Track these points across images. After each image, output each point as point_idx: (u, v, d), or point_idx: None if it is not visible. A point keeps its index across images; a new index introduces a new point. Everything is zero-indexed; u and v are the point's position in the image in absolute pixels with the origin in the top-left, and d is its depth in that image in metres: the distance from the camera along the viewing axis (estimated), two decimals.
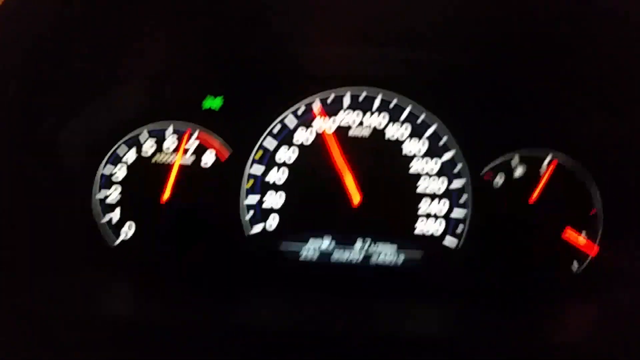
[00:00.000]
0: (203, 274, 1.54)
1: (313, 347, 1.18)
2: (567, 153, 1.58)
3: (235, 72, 1.63)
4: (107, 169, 1.59)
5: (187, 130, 1.60)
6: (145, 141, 1.60)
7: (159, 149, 1.60)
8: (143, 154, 1.60)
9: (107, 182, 1.59)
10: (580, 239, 1.54)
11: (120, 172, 1.59)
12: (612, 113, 1.49)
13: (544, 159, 1.58)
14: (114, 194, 1.58)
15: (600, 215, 1.56)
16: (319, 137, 1.60)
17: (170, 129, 1.61)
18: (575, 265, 1.54)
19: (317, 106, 1.61)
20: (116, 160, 1.59)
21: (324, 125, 1.60)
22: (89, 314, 1.26)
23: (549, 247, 1.54)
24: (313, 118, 1.61)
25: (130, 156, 1.59)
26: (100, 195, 1.58)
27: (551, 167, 1.58)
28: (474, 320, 1.38)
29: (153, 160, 1.60)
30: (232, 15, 1.41)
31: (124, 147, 1.60)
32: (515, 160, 1.58)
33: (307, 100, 1.62)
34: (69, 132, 1.47)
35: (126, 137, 1.60)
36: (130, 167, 1.60)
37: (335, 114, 1.61)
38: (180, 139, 1.61)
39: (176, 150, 1.60)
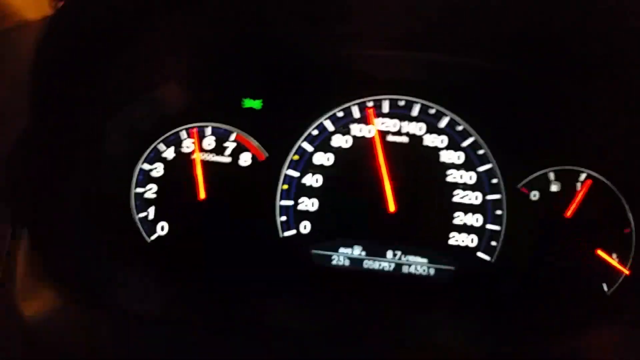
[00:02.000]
0: (235, 274, 1.55)
1: (341, 353, 1.20)
2: (601, 172, 1.58)
3: (275, 75, 1.63)
4: (146, 165, 1.60)
5: (192, 130, 1.61)
6: (184, 140, 1.61)
7: (199, 148, 1.61)
8: (181, 152, 1.61)
9: (146, 178, 1.60)
10: (612, 259, 1.54)
11: (159, 169, 1.60)
12: None
13: (579, 176, 1.58)
14: (151, 190, 1.60)
15: (633, 235, 1.56)
16: (357, 143, 1.61)
17: (209, 129, 1.61)
18: (606, 285, 1.54)
19: (370, 109, 1.61)
20: (156, 157, 1.61)
21: (375, 128, 1.60)
22: (121, 308, 1.28)
23: (582, 264, 1.54)
24: (351, 123, 1.61)
25: (169, 154, 1.61)
26: (138, 190, 1.60)
27: (586, 185, 1.58)
28: (504, 335, 1.39)
29: (191, 158, 1.61)
30: (273, 18, 1.41)
31: (163, 145, 1.61)
32: (551, 176, 1.58)
33: (345, 105, 1.63)
34: (112, 127, 1.48)
35: (166, 135, 1.61)
36: (168, 165, 1.61)
37: (373, 119, 1.62)
38: (217, 139, 1.62)
39: (214, 150, 1.61)
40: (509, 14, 1.30)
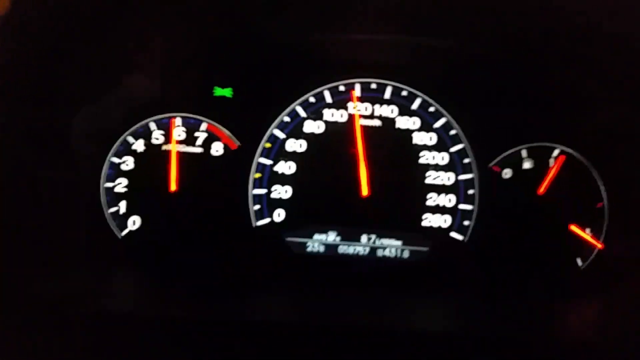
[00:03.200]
0: (209, 265, 1.54)
1: (318, 340, 1.20)
2: (574, 147, 1.58)
3: (243, 63, 1.61)
4: (116, 159, 1.58)
5: (171, 120, 1.59)
6: (153, 131, 1.59)
7: (168, 139, 1.59)
8: (151, 144, 1.59)
9: (117, 171, 1.58)
10: (585, 234, 1.55)
11: (129, 162, 1.59)
12: (620, 108, 1.49)
13: (552, 152, 1.58)
14: (121, 184, 1.58)
15: (606, 210, 1.56)
16: (330, 128, 1.60)
17: (179, 120, 1.60)
18: (580, 259, 1.56)
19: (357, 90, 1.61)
20: (125, 150, 1.59)
21: (355, 108, 1.59)
22: (95, 307, 1.27)
23: (555, 240, 1.56)
24: (323, 108, 1.60)
25: (139, 146, 1.59)
26: (109, 184, 1.58)
27: (559, 161, 1.58)
28: (480, 314, 1.40)
29: (163, 149, 1.59)
30: (241, 6, 1.39)
31: (132, 138, 1.59)
32: (524, 153, 1.58)
33: (316, 91, 1.61)
34: (79, 121, 1.46)
35: (134, 127, 1.59)
36: (138, 157, 1.59)
37: (345, 103, 1.60)
38: (188, 130, 1.60)
39: (185, 140, 1.59)
40: None
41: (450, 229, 1.57)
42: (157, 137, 1.59)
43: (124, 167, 1.58)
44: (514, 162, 1.58)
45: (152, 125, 1.59)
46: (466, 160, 1.58)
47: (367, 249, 1.57)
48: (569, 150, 1.58)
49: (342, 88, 1.61)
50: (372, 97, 1.61)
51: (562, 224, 1.56)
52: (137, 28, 1.37)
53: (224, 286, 1.45)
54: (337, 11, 1.44)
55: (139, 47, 1.46)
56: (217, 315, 1.28)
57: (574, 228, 1.55)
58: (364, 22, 1.49)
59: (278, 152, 1.60)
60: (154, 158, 1.58)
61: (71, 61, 1.32)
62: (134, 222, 1.58)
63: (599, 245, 1.55)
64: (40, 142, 1.36)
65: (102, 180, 1.57)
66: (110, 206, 1.58)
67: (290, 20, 1.47)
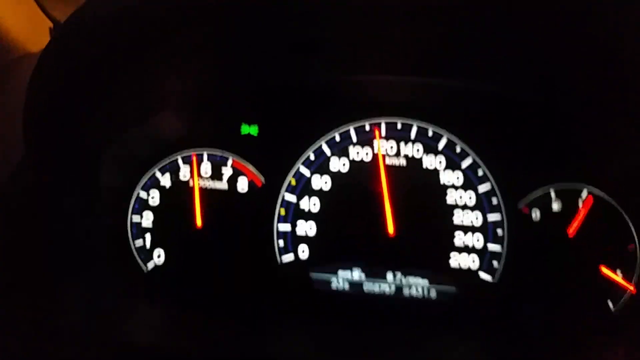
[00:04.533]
0: (234, 302, 1.53)
1: None
2: (602, 189, 1.56)
3: (271, 101, 1.63)
4: (143, 193, 1.59)
5: (193, 155, 1.61)
6: (180, 167, 1.61)
7: (195, 175, 1.60)
8: (179, 179, 1.60)
9: (143, 206, 1.60)
10: (617, 276, 1.51)
11: (155, 197, 1.60)
12: None
13: (580, 194, 1.57)
14: (148, 218, 1.59)
15: (638, 252, 1.53)
16: (355, 166, 1.60)
17: (206, 156, 1.61)
18: (612, 302, 1.52)
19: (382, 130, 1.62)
20: (152, 184, 1.60)
21: (379, 145, 1.60)
22: (118, 339, 1.26)
23: (586, 282, 1.52)
24: (349, 146, 1.61)
25: (166, 181, 1.60)
26: (135, 218, 1.59)
27: (587, 203, 1.56)
28: (508, 357, 1.36)
29: (190, 185, 1.60)
30: (269, 45, 1.42)
31: (159, 173, 1.60)
32: (552, 194, 1.57)
33: (342, 129, 1.62)
34: (109, 155, 1.48)
35: (162, 163, 1.60)
36: (165, 192, 1.60)
37: (371, 142, 1.61)
38: (214, 166, 1.61)
39: (211, 177, 1.60)
40: (502, 38, 1.31)
41: (478, 269, 1.54)
42: (185, 172, 1.61)
43: (150, 202, 1.59)
44: (543, 203, 1.56)
45: (180, 161, 1.61)
46: (494, 201, 1.57)
47: (393, 288, 1.54)
48: (597, 191, 1.56)
49: (367, 127, 1.63)
50: (398, 136, 1.62)
51: (593, 266, 1.52)
52: (167, 65, 1.40)
53: (247, 322, 1.44)
54: (364, 52, 1.46)
55: (169, 84, 1.50)
56: (240, 352, 1.26)
57: (605, 270, 1.51)
58: (390, 63, 1.51)
59: (303, 188, 1.60)
60: (180, 193, 1.59)
61: (103, 96, 1.35)
62: (159, 257, 1.58)
63: (631, 288, 1.51)
64: (69, 174, 1.38)
65: (129, 214, 1.58)
66: (135, 240, 1.58)
67: (318, 61, 1.50)
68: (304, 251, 1.57)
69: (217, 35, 1.33)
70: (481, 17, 1.21)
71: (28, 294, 1.25)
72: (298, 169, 1.60)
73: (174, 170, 1.61)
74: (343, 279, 1.55)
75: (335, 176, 1.60)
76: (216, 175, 1.61)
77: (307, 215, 1.59)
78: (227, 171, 1.62)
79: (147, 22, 1.19)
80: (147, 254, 1.58)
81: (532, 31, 1.25)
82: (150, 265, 1.58)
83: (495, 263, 1.54)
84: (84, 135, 1.39)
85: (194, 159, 1.61)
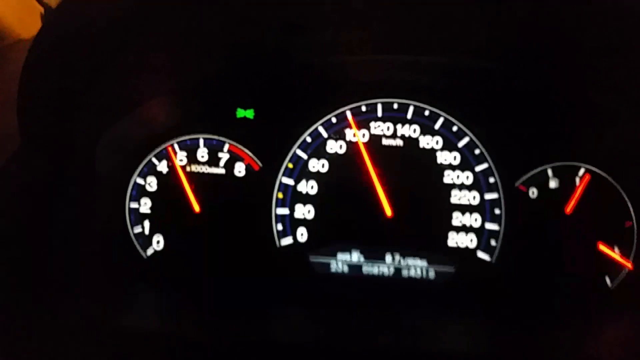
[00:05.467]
0: (233, 286, 1.54)
1: None
2: (599, 166, 1.56)
3: (266, 84, 1.62)
4: (140, 180, 1.59)
5: (167, 147, 1.61)
6: (177, 153, 1.60)
7: (192, 160, 1.60)
8: (176, 166, 1.60)
9: (140, 192, 1.60)
10: (614, 253, 1.52)
11: (152, 183, 1.60)
12: None
13: (577, 171, 1.57)
14: (146, 205, 1.59)
15: (635, 229, 1.54)
16: (351, 148, 1.60)
17: (202, 141, 1.61)
18: (609, 279, 1.52)
19: (349, 116, 1.60)
20: (149, 171, 1.60)
21: (356, 136, 1.59)
22: (118, 325, 1.27)
23: (584, 260, 1.52)
24: (345, 128, 1.60)
25: (163, 168, 1.60)
26: (133, 205, 1.59)
27: (584, 180, 1.56)
28: (508, 335, 1.37)
29: (187, 170, 1.60)
30: (261, 28, 1.40)
31: (156, 159, 1.60)
32: (549, 172, 1.57)
33: (338, 111, 1.62)
34: (104, 142, 1.48)
35: (158, 149, 1.60)
36: (162, 179, 1.60)
37: (368, 124, 1.61)
38: (210, 151, 1.61)
39: (207, 162, 1.60)
40: (498, 13, 1.29)
41: (476, 249, 1.55)
42: (181, 158, 1.60)
43: (148, 188, 1.59)
44: (540, 181, 1.56)
45: (176, 147, 1.60)
46: (491, 180, 1.56)
47: (392, 269, 1.55)
48: (594, 169, 1.56)
49: (364, 108, 1.62)
50: (395, 116, 1.61)
51: (591, 244, 1.53)
52: (160, 51, 1.38)
53: (247, 306, 1.45)
54: (358, 32, 1.44)
55: (162, 70, 1.48)
56: (239, 335, 1.26)
57: (602, 247, 1.52)
58: (385, 43, 1.50)
59: (300, 172, 1.60)
60: (177, 179, 1.59)
61: (97, 82, 1.34)
62: (158, 242, 1.58)
63: (629, 265, 1.51)
64: (65, 162, 1.38)
65: (127, 200, 1.58)
66: (134, 226, 1.58)
67: (312, 41, 1.48)
68: (302, 234, 1.58)
69: (208, 18, 1.32)
70: None
71: (27, 282, 1.25)
72: (295, 152, 1.60)
73: (170, 157, 1.60)
74: (342, 261, 1.56)
75: (332, 158, 1.60)
76: (213, 160, 1.61)
77: (305, 199, 1.59)
78: (224, 156, 1.61)
79: (139, 6, 1.18)
80: (146, 240, 1.59)
81: (526, 8, 1.24)
82: (150, 251, 1.58)
83: (493, 242, 1.55)
84: (79, 122, 1.38)
85: (169, 151, 1.61)
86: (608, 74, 1.41)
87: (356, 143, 1.59)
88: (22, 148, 1.26)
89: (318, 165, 1.59)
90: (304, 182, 1.59)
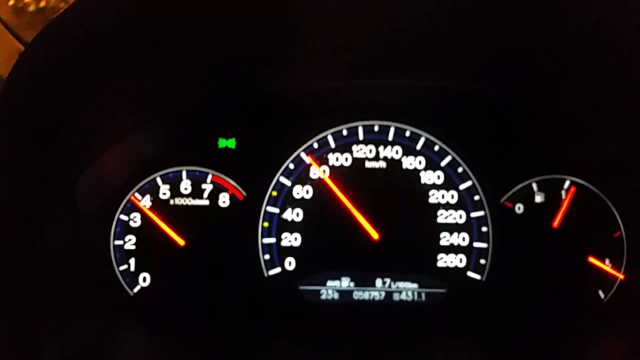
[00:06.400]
0: (223, 319, 1.52)
1: None
2: (584, 178, 1.56)
3: (246, 113, 1.62)
4: (124, 216, 1.58)
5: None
6: (160, 187, 1.59)
7: (175, 194, 1.59)
8: (159, 199, 1.59)
9: (125, 229, 1.58)
10: (605, 265, 1.51)
11: (136, 219, 1.58)
12: (626, 136, 1.47)
13: (563, 184, 1.56)
14: (130, 241, 1.57)
15: (624, 239, 1.53)
16: (335, 172, 1.59)
17: (185, 173, 1.60)
18: (602, 292, 1.51)
19: (307, 158, 1.60)
20: (132, 207, 1.58)
21: (319, 172, 1.59)
22: None
23: (575, 273, 1.51)
24: (327, 153, 1.60)
25: (146, 202, 1.58)
26: (117, 242, 1.57)
27: (570, 193, 1.55)
28: (502, 355, 1.35)
29: (170, 204, 1.58)
30: (238, 55, 1.40)
31: (139, 194, 1.59)
32: (534, 187, 1.56)
33: (320, 136, 1.61)
34: (85, 180, 1.46)
35: (141, 184, 1.59)
36: (145, 214, 1.58)
37: (350, 147, 1.60)
38: (194, 183, 1.60)
39: (191, 194, 1.59)
40: (475, 35, 1.30)
41: (466, 268, 1.54)
42: (165, 192, 1.59)
43: (132, 224, 1.57)
44: (526, 196, 1.56)
45: (159, 181, 1.59)
46: (476, 197, 1.56)
47: (383, 294, 1.53)
48: (580, 181, 1.56)
49: (345, 132, 1.61)
50: (376, 139, 1.61)
51: (581, 257, 1.52)
52: (138, 84, 1.38)
53: (237, 337, 1.42)
54: (334, 57, 1.45)
55: (140, 103, 1.48)
56: None
57: (592, 260, 1.51)
58: (363, 66, 1.50)
59: (285, 199, 1.58)
60: (161, 214, 1.57)
61: (74, 119, 1.33)
62: (144, 279, 1.56)
63: (620, 276, 1.50)
64: (47, 202, 1.36)
65: (111, 238, 1.56)
66: (120, 264, 1.56)
67: (290, 68, 1.49)
68: (290, 263, 1.56)
69: (184, 51, 1.32)
70: (450, 14, 1.21)
71: (11, 322, 1.23)
72: (278, 179, 1.59)
73: (153, 191, 1.59)
74: (332, 288, 1.54)
75: (316, 184, 1.59)
76: (196, 192, 1.59)
77: (291, 226, 1.57)
78: (207, 187, 1.60)
79: (117, 41, 1.17)
80: (133, 278, 1.56)
81: (504, 27, 1.25)
82: (136, 288, 1.56)
83: (482, 260, 1.54)
84: (58, 159, 1.36)
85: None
86: (588, 86, 1.41)
87: (340, 167, 1.59)
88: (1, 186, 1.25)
89: (302, 191, 1.58)
90: (289, 209, 1.58)
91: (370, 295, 1.54)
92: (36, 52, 1.14)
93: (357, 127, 1.61)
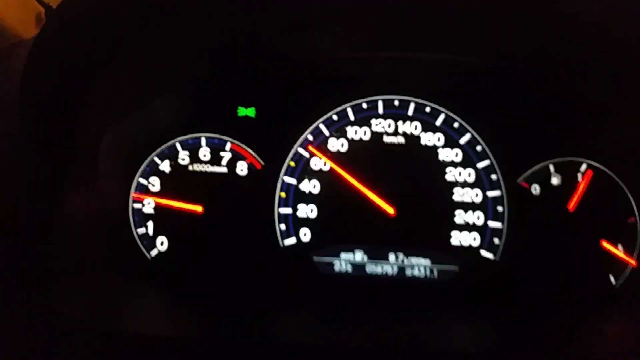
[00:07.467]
0: (236, 285, 1.54)
1: None
2: (601, 162, 1.56)
3: (267, 82, 1.62)
4: (143, 180, 1.59)
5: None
6: (179, 152, 1.60)
7: (194, 160, 1.60)
8: (178, 164, 1.60)
9: (144, 192, 1.59)
10: (618, 250, 1.52)
11: (155, 183, 1.60)
12: None
13: (579, 167, 1.56)
14: (149, 205, 1.59)
15: (638, 224, 1.53)
16: (353, 146, 1.60)
17: (204, 140, 1.60)
18: (613, 277, 1.52)
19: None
20: (152, 170, 1.60)
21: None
22: (122, 327, 1.27)
23: (587, 257, 1.52)
24: (346, 126, 1.60)
25: (166, 167, 1.60)
26: (136, 205, 1.59)
27: (587, 176, 1.55)
28: (512, 334, 1.37)
29: (189, 170, 1.60)
30: (261, 27, 1.40)
31: (158, 159, 1.60)
32: (551, 168, 1.56)
33: (339, 108, 1.61)
34: (106, 143, 1.48)
35: (161, 148, 1.60)
36: (165, 178, 1.60)
37: (369, 121, 1.60)
38: (213, 150, 1.61)
39: (210, 161, 1.60)
40: (498, 10, 1.28)
41: (480, 247, 1.55)
42: (184, 157, 1.60)
43: (151, 188, 1.59)
44: (542, 178, 1.56)
45: (178, 146, 1.60)
46: (494, 177, 1.56)
47: (396, 268, 1.55)
48: (597, 164, 1.56)
49: (365, 105, 1.61)
50: (396, 113, 1.60)
51: (594, 241, 1.52)
52: (161, 50, 1.38)
53: (250, 306, 1.44)
54: (359, 29, 1.44)
55: (163, 69, 1.48)
56: (243, 336, 1.26)
57: (606, 245, 1.52)
58: (386, 40, 1.49)
59: (303, 170, 1.59)
60: (180, 179, 1.59)
61: (98, 82, 1.33)
62: (162, 243, 1.59)
63: (632, 262, 1.51)
64: (68, 164, 1.37)
65: (130, 201, 1.58)
66: (138, 227, 1.58)
67: (312, 39, 1.48)
68: (305, 234, 1.58)
69: (209, 18, 1.31)
70: None
71: (30, 285, 1.26)
72: (297, 150, 1.59)
73: (173, 155, 1.60)
74: (346, 261, 1.56)
75: (334, 157, 1.59)
76: (215, 159, 1.61)
77: (308, 198, 1.58)
78: (226, 155, 1.61)
79: (140, 6, 1.17)
80: (151, 241, 1.59)
81: (527, 6, 1.23)
82: (154, 252, 1.59)
83: (496, 240, 1.55)
84: (81, 123, 1.37)
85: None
86: (608, 69, 1.40)
87: (359, 141, 1.59)
88: (24, 149, 1.26)
89: (320, 163, 1.59)
90: (306, 181, 1.59)
91: (383, 269, 1.55)
92: (64, 13, 1.14)
93: (377, 101, 1.61)
